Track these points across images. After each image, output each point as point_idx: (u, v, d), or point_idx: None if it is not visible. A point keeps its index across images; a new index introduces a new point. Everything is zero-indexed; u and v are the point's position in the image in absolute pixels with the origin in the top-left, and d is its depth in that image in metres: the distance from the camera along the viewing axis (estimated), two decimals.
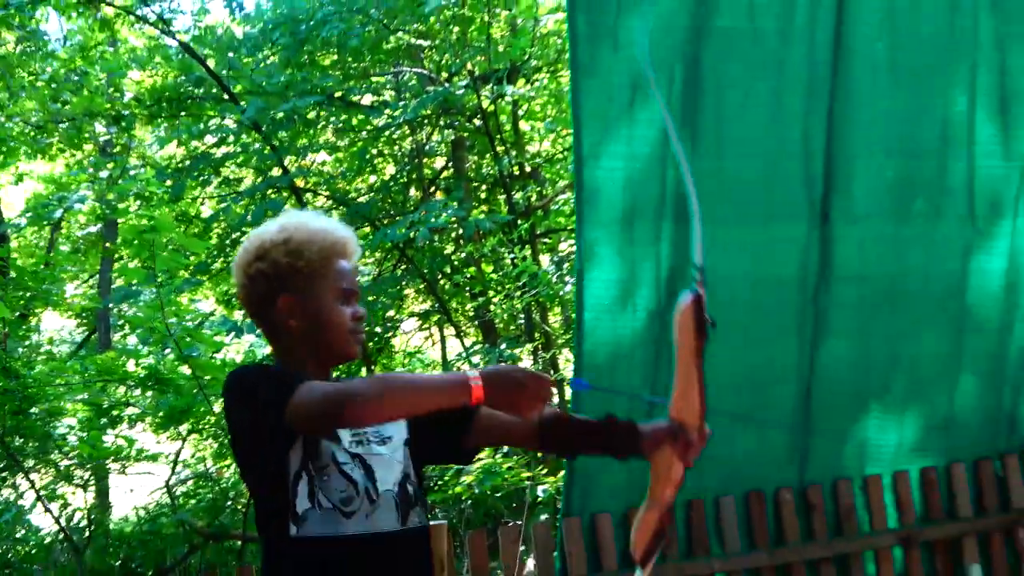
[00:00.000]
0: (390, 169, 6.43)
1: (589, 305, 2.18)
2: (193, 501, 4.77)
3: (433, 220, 4.20)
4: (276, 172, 5.10)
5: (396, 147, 6.10)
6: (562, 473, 2.97)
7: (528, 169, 5.55)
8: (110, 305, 5.90)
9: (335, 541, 1.31)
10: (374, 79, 5.18)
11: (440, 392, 1.19)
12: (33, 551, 5.04)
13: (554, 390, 2.25)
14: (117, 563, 4.58)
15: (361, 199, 5.85)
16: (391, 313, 5.46)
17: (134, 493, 5.57)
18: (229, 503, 4.69)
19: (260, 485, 1.35)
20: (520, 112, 5.30)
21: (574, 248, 2.88)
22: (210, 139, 5.48)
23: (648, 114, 2.15)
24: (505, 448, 3.61)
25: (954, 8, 2.51)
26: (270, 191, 5.27)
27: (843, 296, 2.43)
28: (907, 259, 2.54)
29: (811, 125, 2.41)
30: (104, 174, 6.16)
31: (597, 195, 2.18)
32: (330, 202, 5.75)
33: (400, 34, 4.61)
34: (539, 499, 3.63)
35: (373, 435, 1.41)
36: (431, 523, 1.67)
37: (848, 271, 2.46)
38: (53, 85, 6.46)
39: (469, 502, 3.60)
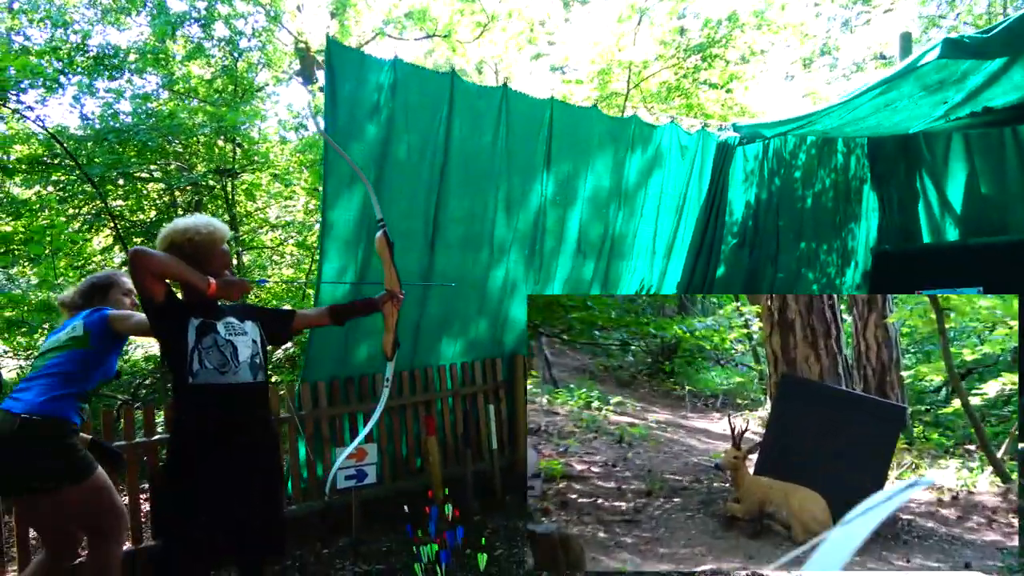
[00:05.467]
0: None
1: (326, 275, 3.95)
2: None
3: None
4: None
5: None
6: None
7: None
8: None
9: (216, 387, 1.97)
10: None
11: (192, 280, 1.99)
12: None
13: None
14: None
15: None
16: None
17: None
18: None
19: (167, 353, 2.07)
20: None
21: None
22: None
23: (358, 189, 3.99)
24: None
25: (493, 149, 4.56)
26: None
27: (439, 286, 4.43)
28: (466, 266, 4.68)
29: (429, 204, 4.36)
30: None
31: (333, 224, 3.95)
32: None
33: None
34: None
35: (238, 328, 2.10)
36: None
37: (440, 270, 4.44)
38: None
39: None
